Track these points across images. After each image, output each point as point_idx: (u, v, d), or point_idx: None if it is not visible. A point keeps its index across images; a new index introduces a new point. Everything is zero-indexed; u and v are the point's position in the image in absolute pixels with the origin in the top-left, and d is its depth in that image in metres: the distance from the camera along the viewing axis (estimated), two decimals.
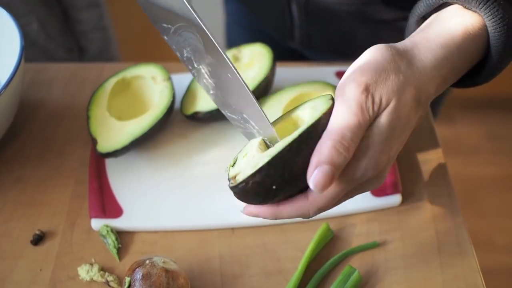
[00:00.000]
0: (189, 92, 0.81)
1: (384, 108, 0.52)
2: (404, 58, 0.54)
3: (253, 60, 0.82)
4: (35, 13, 1.10)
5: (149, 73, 0.80)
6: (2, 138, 0.78)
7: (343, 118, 0.50)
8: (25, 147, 0.80)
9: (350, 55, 1.01)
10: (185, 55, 0.59)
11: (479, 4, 0.56)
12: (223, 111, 0.59)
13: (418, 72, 0.54)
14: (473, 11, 0.57)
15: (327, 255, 0.68)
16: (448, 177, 0.76)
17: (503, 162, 2.11)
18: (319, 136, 0.51)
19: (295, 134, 0.51)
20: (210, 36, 0.55)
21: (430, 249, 0.69)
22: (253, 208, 0.55)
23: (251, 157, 0.53)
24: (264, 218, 0.55)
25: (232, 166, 0.54)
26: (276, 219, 0.54)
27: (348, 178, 0.52)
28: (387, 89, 0.52)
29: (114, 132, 0.74)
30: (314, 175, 0.49)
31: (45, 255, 0.69)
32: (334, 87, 0.78)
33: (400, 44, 0.56)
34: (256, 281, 0.66)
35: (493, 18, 0.56)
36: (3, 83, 0.79)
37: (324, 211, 0.54)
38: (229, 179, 0.53)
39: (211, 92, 0.59)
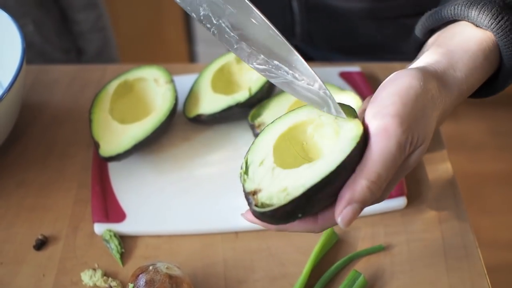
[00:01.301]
0: (191, 94, 0.80)
1: (419, 147, 0.51)
2: (437, 86, 0.53)
3: None
4: (31, 15, 1.10)
5: (152, 76, 0.80)
6: (4, 142, 0.78)
7: (381, 156, 0.48)
8: (27, 150, 0.80)
9: (352, 52, 1.00)
10: (201, 13, 0.55)
11: (491, 24, 0.56)
12: (251, 65, 0.56)
13: (447, 100, 0.54)
14: (484, 29, 0.57)
15: (332, 259, 0.68)
16: (453, 178, 0.76)
17: (507, 159, 2.10)
18: (352, 168, 0.49)
19: (331, 167, 0.48)
20: None
21: (436, 253, 0.68)
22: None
23: (269, 170, 0.51)
24: (266, 228, 0.53)
25: (246, 173, 0.52)
26: (279, 230, 0.53)
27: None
28: (425, 128, 0.51)
29: (116, 135, 0.74)
30: (345, 213, 0.48)
31: (48, 260, 0.68)
32: (338, 88, 0.78)
33: (432, 70, 0.54)
34: (261, 285, 0.66)
35: (506, 38, 0.56)
36: (5, 86, 0.79)
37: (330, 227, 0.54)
38: (247, 194, 0.51)
39: (235, 46, 0.55)
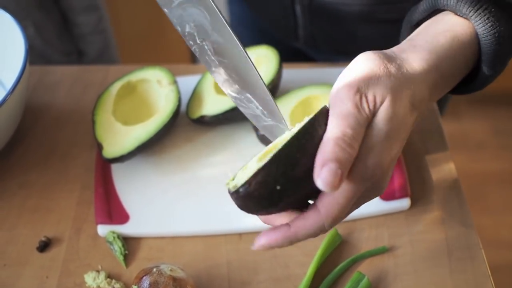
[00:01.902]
0: (195, 96, 0.80)
1: (380, 105, 0.51)
2: (393, 62, 0.53)
3: (259, 63, 0.81)
4: (32, 17, 1.10)
5: (155, 77, 0.80)
6: (7, 143, 0.78)
7: (342, 118, 0.49)
8: (30, 152, 0.80)
9: (355, 55, 1.00)
10: (187, 30, 0.57)
11: (470, 12, 0.55)
12: (224, 89, 0.57)
13: (409, 75, 0.53)
14: (464, 18, 0.56)
15: (336, 261, 0.68)
16: (457, 179, 0.75)
17: (509, 158, 2.10)
18: (319, 137, 0.50)
19: (293, 131, 0.51)
20: (220, 14, 0.54)
21: (439, 254, 0.68)
22: (265, 239, 0.52)
23: (249, 168, 0.52)
24: (280, 246, 0.52)
25: (232, 180, 0.53)
26: (292, 243, 0.52)
27: (357, 180, 0.51)
28: (380, 87, 0.51)
29: (119, 137, 0.74)
30: (323, 175, 0.48)
31: (51, 262, 0.68)
32: None
33: (388, 51, 0.55)
34: (265, 287, 0.66)
35: (484, 26, 0.55)
36: (8, 87, 0.79)
37: (338, 221, 0.52)
38: (229, 191, 0.52)
39: (213, 69, 0.57)
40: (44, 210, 0.73)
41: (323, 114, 0.51)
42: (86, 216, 0.73)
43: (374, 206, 0.71)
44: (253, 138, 0.79)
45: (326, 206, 0.51)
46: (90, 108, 0.85)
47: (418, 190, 0.74)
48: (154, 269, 0.61)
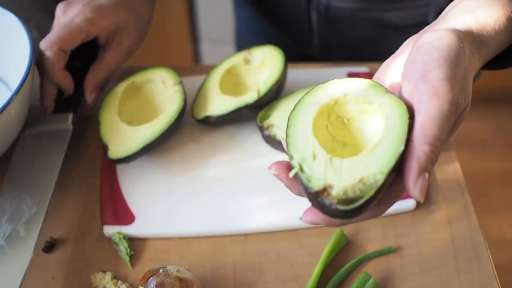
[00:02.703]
0: (200, 96, 0.80)
1: (464, 108, 0.50)
2: (470, 48, 0.52)
3: (264, 63, 0.81)
4: (35, 20, 1.09)
5: (160, 77, 0.80)
6: (13, 144, 0.78)
7: (438, 120, 0.47)
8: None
9: (371, 61, 1.00)
10: None
11: None
12: None
13: (478, 63, 0.53)
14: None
15: (342, 261, 0.68)
16: (462, 179, 0.75)
17: None
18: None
19: (399, 146, 0.47)
20: None
21: (446, 254, 0.68)
22: (317, 215, 0.48)
23: (327, 162, 0.47)
24: (329, 225, 0.50)
25: (302, 171, 0.47)
26: (342, 225, 0.50)
27: None
28: (468, 90, 0.50)
29: (125, 137, 0.74)
30: (420, 184, 0.46)
31: (57, 263, 0.68)
32: None
33: (465, 32, 0.53)
34: None
35: None
36: (13, 88, 0.79)
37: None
38: (315, 194, 0.46)
39: None
40: (49, 210, 0.73)
41: (411, 119, 0.49)
42: (91, 216, 0.73)
43: None
44: (258, 138, 0.79)
45: (388, 199, 0.50)
46: (94, 108, 0.85)
47: None
48: (161, 270, 0.61)
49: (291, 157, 0.48)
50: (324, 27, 0.95)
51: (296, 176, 0.48)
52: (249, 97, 0.76)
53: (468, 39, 0.52)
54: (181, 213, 0.72)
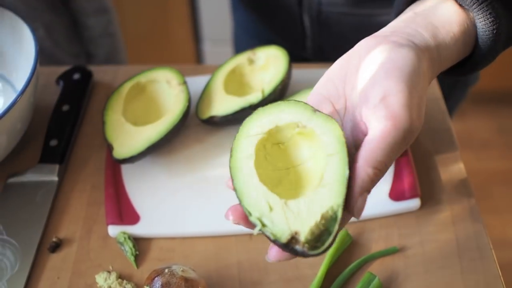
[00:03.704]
0: (204, 96, 0.80)
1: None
2: (427, 67, 0.53)
3: (268, 63, 0.81)
4: (42, 19, 1.10)
5: (164, 77, 0.80)
6: (18, 144, 0.78)
7: (388, 147, 0.48)
8: (39, 152, 0.79)
9: None
10: None
11: (473, 4, 0.55)
12: None
13: (431, 78, 0.54)
14: (465, 9, 0.56)
15: (346, 261, 0.68)
16: (466, 179, 0.75)
17: None
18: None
19: (345, 174, 0.48)
20: None
21: (450, 254, 0.68)
22: (283, 254, 0.49)
23: (283, 208, 0.48)
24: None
25: (264, 226, 0.48)
26: None
27: None
28: (423, 110, 0.51)
29: (130, 137, 0.74)
30: (359, 205, 0.48)
31: (63, 263, 0.69)
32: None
33: (424, 50, 0.53)
34: None
35: (484, 20, 0.55)
36: (18, 88, 0.79)
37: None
38: (287, 245, 0.46)
39: None
40: (54, 210, 0.74)
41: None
42: (96, 216, 0.73)
43: (384, 206, 0.71)
44: None
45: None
46: (99, 108, 0.85)
47: (428, 190, 0.74)
48: (166, 270, 0.61)
49: (249, 214, 0.49)
50: (317, 30, 0.96)
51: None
52: (254, 97, 0.76)
53: (426, 55, 0.53)
54: (186, 213, 0.72)
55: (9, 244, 0.69)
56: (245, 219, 0.50)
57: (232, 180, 0.51)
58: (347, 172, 0.48)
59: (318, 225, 0.47)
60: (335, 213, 0.47)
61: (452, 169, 0.77)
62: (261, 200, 0.49)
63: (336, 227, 0.46)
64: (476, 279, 0.66)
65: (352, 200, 0.48)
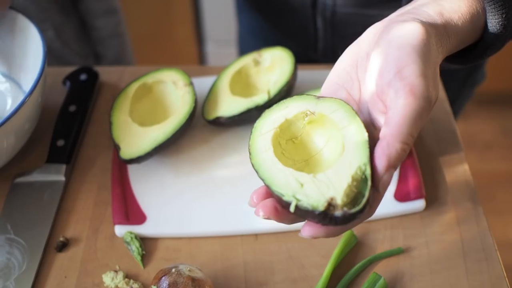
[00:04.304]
0: (210, 97, 0.80)
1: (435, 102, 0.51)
2: (436, 42, 0.52)
3: (274, 64, 0.82)
4: (51, 20, 1.10)
5: (170, 78, 0.80)
6: (25, 144, 0.78)
7: (413, 118, 0.48)
8: (47, 152, 0.80)
9: None
10: None
11: None
12: None
13: (441, 57, 0.54)
14: None
15: (352, 262, 0.68)
16: (471, 180, 0.76)
17: None
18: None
19: (357, 128, 0.50)
20: None
21: (455, 255, 0.68)
22: (317, 228, 0.48)
23: (313, 181, 0.48)
24: (330, 236, 0.50)
25: (298, 201, 0.47)
26: (341, 233, 0.51)
27: None
28: (438, 84, 0.51)
29: (137, 138, 0.74)
30: (385, 179, 0.47)
31: (70, 262, 0.69)
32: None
33: (433, 25, 0.53)
34: None
35: (494, 4, 0.55)
36: (26, 89, 0.79)
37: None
38: (323, 213, 0.46)
39: None
40: (62, 210, 0.74)
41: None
42: (103, 216, 0.73)
43: (389, 207, 0.72)
44: None
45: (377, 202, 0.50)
46: (105, 108, 0.86)
47: (433, 191, 0.74)
48: (173, 269, 0.61)
49: (282, 196, 0.48)
50: (330, 31, 0.96)
51: (283, 210, 0.49)
52: (260, 98, 0.77)
53: (433, 31, 0.52)
54: (192, 213, 0.72)
55: (16, 243, 0.69)
56: (275, 211, 0.49)
57: (257, 173, 0.51)
58: (365, 134, 0.49)
59: (351, 187, 0.47)
60: (363, 173, 0.48)
61: (457, 170, 0.77)
62: (290, 180, 0.49)
63: (369, 183, 0.47)
64: (481, 279, 0.66)
65: (377, 175, 0.47)
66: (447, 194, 0.74)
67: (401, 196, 0.72)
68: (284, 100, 0.56)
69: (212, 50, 2.20)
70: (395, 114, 0.48)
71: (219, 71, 0.86)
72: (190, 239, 0.71)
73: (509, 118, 2.24)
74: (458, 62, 0.62)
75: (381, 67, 0.51)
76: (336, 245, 0.68)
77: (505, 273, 0.66)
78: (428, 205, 0.73)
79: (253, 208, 0.51)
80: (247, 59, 0.83)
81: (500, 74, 2.07)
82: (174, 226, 0.71)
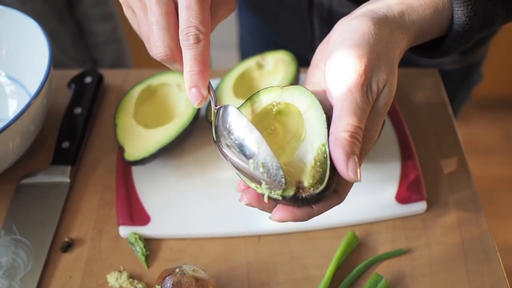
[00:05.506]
0: None
1: (382, 89, 0.54)
2: (390, 30, 0.55)
3: (277, 68, 0.82)
4: (48, 26, 1.10)
5: (175, 81, 0.81)
6: (30, 146, 0.79)
7: (350, 110, 0.51)
8: (52, 154, 0.81)
9: None
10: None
11: None
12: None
13: (402, 42, 0.56)
14: None
15: (354, 263, 0.69)
16: (472, 183, 0.76)
17: None
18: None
19: (316, 110, 0.53)
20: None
21: (456, 257, 0.69)
22: (285, 212, 0.52)
23: (281, 168, 0.51)
24: (298, 220, 0.53)
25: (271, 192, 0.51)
26: (309, 218, 0.54)
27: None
28: (384, 72, 0.53)
29: (141, 140, 0.75)
30: (351, 167, 0.49)
31: (75, 262, 0.70)
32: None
33: (382, 15, 0.56)
34: None
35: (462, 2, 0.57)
36: (31, 92, 0.80)
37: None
38: (294, 196, 0.50)
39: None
40: (66, 211, 0.75)
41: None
42: (107, 217, 0.74)
43: (391, 209, 0.72)
44: None
45: (343, 188, 0.53)
46: (109, 111, 0.87)
47: (434, 193, 0.75)
48: (177, 269, 0.62)
49: (256, 189, 0.52)
50: (326, 32, 0.96)
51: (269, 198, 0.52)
52: None
53: (384, 20, 0.55)
54: (196, 214, 0.73)
55: (22, 244, 0.70)
56: (257, 199, 0.53)
57: (234, 169, 0.55)
58: (323, 116, 0.52)
59: (315, 167, 0.50)
60: (324, 152, 0.51)
61: (458, 172, 0.78)
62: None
63: (329, 161, 0.50)
64: (481, 281, 0.66)
65: (342, 165, 0.49)
66: (448, 196, 0.75)
67: (402, 198, 0.73)
68: (249, 97, 0.59)
69: (214, 55, 2.21)
70: (336, 109, 0.52)
71: (222, 74, 0.87)
72: (194, 240, 0.72)
73: (510, 122, 2.25)
74: (430, 55, 0.65)
75: (328, 63, 0.55)
76: (338, 246, 0.69)
77: (505, 275, 0.67)
78: (429, 207, 0.73)
79: (256, 209, 0.54)
80: (251, 63, 0.84)
81: (502, 79, 2.08)
82: (178, 227, 0.72)
